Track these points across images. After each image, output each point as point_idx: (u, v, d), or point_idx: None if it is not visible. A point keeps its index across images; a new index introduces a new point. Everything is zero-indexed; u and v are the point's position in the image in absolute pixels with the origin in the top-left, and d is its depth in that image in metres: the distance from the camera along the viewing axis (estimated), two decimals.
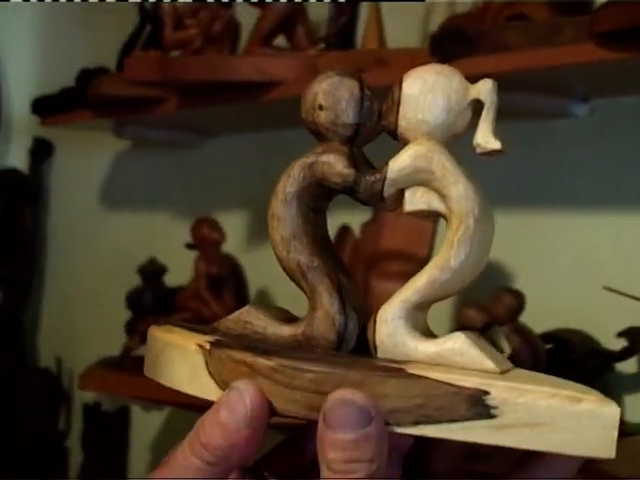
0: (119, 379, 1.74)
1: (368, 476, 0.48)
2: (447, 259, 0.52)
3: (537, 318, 1.30)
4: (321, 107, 0.57)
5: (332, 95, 0.57)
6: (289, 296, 1.75)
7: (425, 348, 0.52)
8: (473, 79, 1.31)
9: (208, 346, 0.53)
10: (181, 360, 0.54)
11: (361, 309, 0.56)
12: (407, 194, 0.54)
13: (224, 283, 1.71)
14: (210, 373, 0.52)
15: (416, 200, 0.54)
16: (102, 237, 2.25)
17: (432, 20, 1.56)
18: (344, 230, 1.49)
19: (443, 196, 0.53)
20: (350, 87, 0.57)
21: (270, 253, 1.82)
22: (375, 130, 0.57)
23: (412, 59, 1.35)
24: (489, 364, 0.51)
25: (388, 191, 0.55)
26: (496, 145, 0.52)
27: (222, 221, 1.74)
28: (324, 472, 0.49)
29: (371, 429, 0.48)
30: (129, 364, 1.75)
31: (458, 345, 0.51)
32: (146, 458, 2.09)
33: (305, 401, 0.50)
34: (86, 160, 2.30)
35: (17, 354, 2.39)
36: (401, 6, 1.55)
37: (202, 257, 1.71)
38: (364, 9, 1.57)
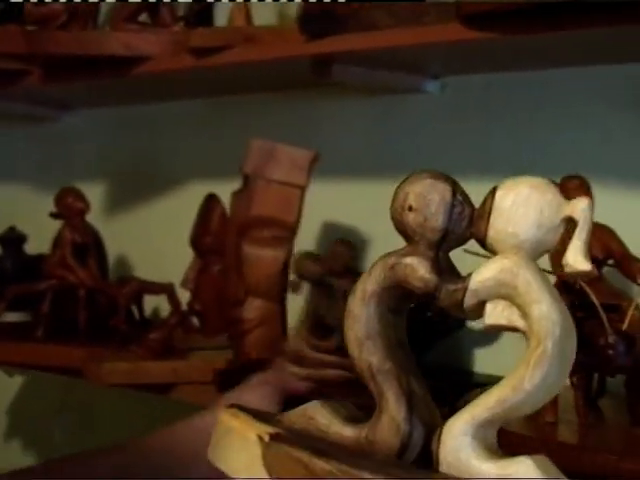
0: None
1: None
2: (521, 380, 0.49)
3: None
4: (411, 208, 0.54)
5: (423, 198, 0.54)
6: (148, 265, 1.73)
7: (489, 469, 0.49)
8: (340, 56, 1.31)
9: (267, 438, 0.51)
10: (240, 448, 0.51)
11: (429, 419, 0.53)
12: (488, 307, 0.52)
13: (88, 251, 1.66)
14: (265, 465, 0.50)
15: (497, 314, 0.51)
16: None
17: None
18: (211, 198, 1.48)
19: (524, 313, 0.50)
20: (442, 191, 0.54)
21: (128, 223, 1.78)
22: (463, 236, 0.54)
23: (280, 37, 1.34)
24: None
25: (469, 301, 0.52)
26: (586, 267, 0.50)
27: (87, 191, 1.69)
28: None
29: None
30: None
31: (522, 470, 0.48)
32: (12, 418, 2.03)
33: None
34: None
35: None
36: None
37: (67, 226, 1.66)
38: None
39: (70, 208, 1.66)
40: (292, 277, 1.28)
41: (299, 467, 0.48)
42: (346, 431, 0.53)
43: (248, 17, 1.44)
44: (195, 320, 1.52)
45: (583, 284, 0.97)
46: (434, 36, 1.15)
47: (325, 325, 1.22)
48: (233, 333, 1.37)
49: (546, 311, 0.49)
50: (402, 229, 0.55)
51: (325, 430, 0.53)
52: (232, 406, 0.57)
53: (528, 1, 1.03)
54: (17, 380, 1.96)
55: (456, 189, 0.53)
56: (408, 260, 0.54)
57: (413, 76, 1.40)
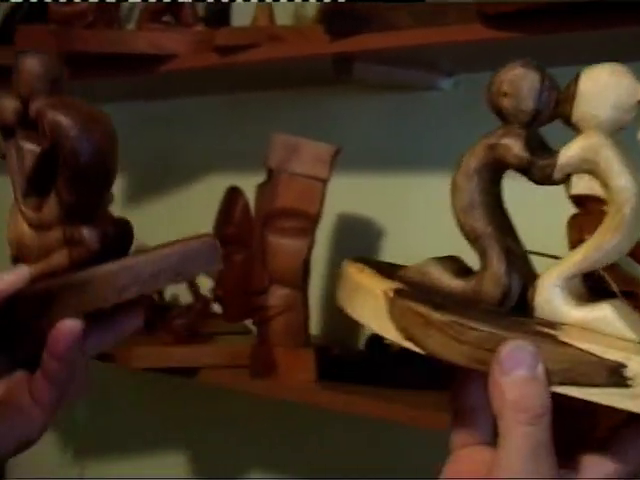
0: None
1: (540, 414, 0.52)
2: (602, 240, 0.55)
3: None
4: (505, 94, 0.60)
5: (516, 84, 0.59)
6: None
7: (576, 314, 0.56)
8: (361, 55, 1.31)
9: (392, 294, 0.56)
10: (368, 301, 0.58)
11: (525, 273, 0.59)
12: (574, 179, 0.57)
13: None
14: (391, 318, 0.56)
15: (581, 185, 0.57)
16: None
17: None
18: (233, 190, 1.49)
19: (605, 185, 0.55)
20: (532, 78, 0.59)
21: (154, 214, 1.79)
22: (551, 117, 0.59)
23: (303, 36, 1.35)
24: (630, 335, 0.54)
25: (557, 175, 0.57)
26: None
27: None
28: (504, 412, 0.52)
29: (540, 369, 0.51)
30: None
31: (604, 314, 0.55)
32: None
33: (470, 354, 0.53)
34: None
35: None
36: None
37: None
38: None
39: None
40: None
41: (419, 319, 0.55)
42: (455, 283, 0.59)
43: (271, 17, 1.45)
44: (217, 306, 1.54)
45: (602, 271, 0.99)
46: (454, 36, 1.16)
47: None
48: (258, 319, 1.38)
49: (624, 183, 0.54)
50: (498, 112, 0.61)
51: (437, 283, 0.59)
52: (358, 260, 0.63)
53: (548, 1, 1.04)
54: None
55: (544, 75, 0.59)
56: (505, 140, 0.60)
57: (428, 73, 1.41)
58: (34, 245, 0.72)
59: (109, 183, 0.72)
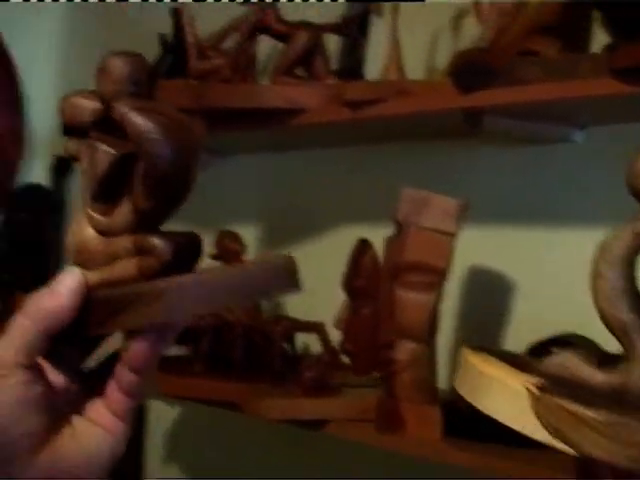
0: None
1: None
2: None
3: (546, 324, 1.30)
4: None
5: None
6: (301, 304, 1.75)
7: None
8: (491, 108, 1.30)
9: (536, 390, 0.55)
10: (504, 396, 0.56)
11: None
12: None
13: None
14: (536, 415, 0.54)
15: None
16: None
17: (438, 50, 1.56)
18: (363, 243, 1.48)
19: None
20: None
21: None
22: None
23: (432, 90, 1.35)
24: None
25: None
26: None
27: (243, 233, 1.73)
28: None
29: None
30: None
31: None
32: (161, 449, 2.06)
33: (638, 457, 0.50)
34: None
35: None
36: (405, 35, 1.55)
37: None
38: (377, 43, 1.57)
39: (227, 250, 1.69)
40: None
41: (570, 417, 0.52)
42: (599, 377, 0.56)
43: (401, 71, 1.45)
44: (346, 358, 1.53)
45: None
46: (585, 90, 1.14)
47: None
48: (385, 373, 1.37)
49: None
50: (637, 195, 0.60)
51: (578, 376, 0.56)
52: (478, 348, 0.60)
53: None
54: (177, 410, 1.99)
55: None
56: None
57: (560, 126, 1.39)
58: (98, 251, 0.69)
59: (187, 193, 0.68)
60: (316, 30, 1.55)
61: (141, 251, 0.67)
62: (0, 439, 0.64)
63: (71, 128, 0.70)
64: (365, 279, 1.47)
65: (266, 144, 1.82)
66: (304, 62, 1.56)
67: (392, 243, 1.37)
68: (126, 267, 0.68)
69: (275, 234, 1.88)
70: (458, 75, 1.28)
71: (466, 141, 1.50)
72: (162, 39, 1.90)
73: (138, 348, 0.67)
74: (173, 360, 1.75)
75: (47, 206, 2.38)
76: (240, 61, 1.58)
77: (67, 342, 0.68)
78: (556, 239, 1.44)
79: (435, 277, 1.34)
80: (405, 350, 1.35)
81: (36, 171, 2.44)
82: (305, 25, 1.55)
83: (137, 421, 2.09)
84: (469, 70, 1.26)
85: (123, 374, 0.68)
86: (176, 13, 1.81)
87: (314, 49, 1.55)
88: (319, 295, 1.70)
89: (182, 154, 0.66)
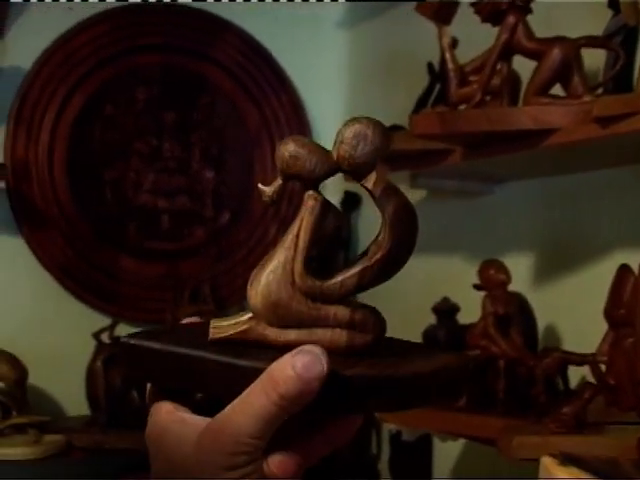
0: (413, 413, 1.70)
1: None
2: None
3: None
4: None
5: None
6: (576, 333, 1.67)
7: None
8: None
9: None
10: None
11: None
12: None
13: (511, 321, 1.65)
14: None
15: None
16: (405, 279, 2.21)
17: None
18: (624, 268, 1.40)
19: None
20: None
21: (560, 291, 1.71)
22: None
23: None
24: None
25: None
26: None
27: (509, 263, 1.68)
28: None
29: None
30: None
31: None
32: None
33: None
34: None
35: None
36: None
37: (489, 297, 1.66)
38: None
39: (491, 280, 1.66)
40: None
41: None
42: None
43: None
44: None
45: None
46: None
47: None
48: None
49: None
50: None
51: None
52: (562, 458, 0.56)
53: None
54: (449, 445, 1.97)
55: None
56: None
57: None
58: (300, 312, 0.67)
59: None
60: (571, 46, 1.49)
61: (354, 324, 0.68)
62: None
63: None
64: (626, 307, 1.38)
65: (534, 169, 1.78)
66: (561, 80, 1.50)
67: None
68: (333, 337, 0.67)
69: (547, 262, 1.82)
70: None
71: None
72: (430, 68, 1.91)
73: (349, 430, 0.69)
74: None
75: (337, 241, 2.43)
76: (493, 84, 1.55)
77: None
78: None
79: None
80: None
81: None
82: (559, 41, 1.49)
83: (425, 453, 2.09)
84: None
85: (322, 446, 0.69)
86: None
87: (571, 65, 1.49)
88: (592, 325, 1.62)
89: (414, 234, 0.68)
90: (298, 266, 0.68)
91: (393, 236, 0.67)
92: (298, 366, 0.63)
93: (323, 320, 0.67)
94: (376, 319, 0.68)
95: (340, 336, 0.67)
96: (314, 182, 0.69)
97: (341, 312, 0.67)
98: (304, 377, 0.63)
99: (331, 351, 0.65)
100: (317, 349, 0.64)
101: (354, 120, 0.67)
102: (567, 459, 0.58)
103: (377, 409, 0.69)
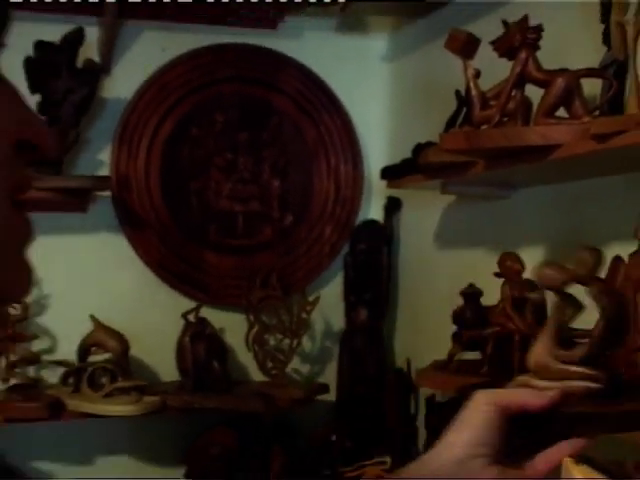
0: (445, 379, 1.73)
1: None
2: None
3: None
4: None
5: None
6: (586, 317, 1.67)
7: None
8: None
9: None
10: None
11: None
12: None
13: (525, 303, 1.66)
14: None
15: None
16: (438, 270, 2.26)
17: None
18: (617, 259, 1.41)
19: None
20: None
21: None
22: None
23: None
24: None
25: None
26: None
27: (523, 255, 1.70)
28: None
29: None
30: (453, 367, 1.74)
31: None
32: None
33: None
34: (423, 212, 2.32)
35: (380, 358, 2.42)
36: None
37: (507, 283, 1.68)
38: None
39: (509, 269, 1.68)
40: None
41: None
42: None
43: None
44: None
45: None
46: None
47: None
48: (629, 374, 1.30)
49: None
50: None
51: None
52: (577, 458, 0.58)
53: None
54: None
55: None
56: None
57: None
58: (555, 370, 0.93)
59: None
60: (573, 76, 1.50)
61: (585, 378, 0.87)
62: None
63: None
64: (619, 289, 1.40)
65: (545, 176, 1.78)
66: (565, 103, 1.52)
67: (634, 258, 1.30)
68: (576, 387, 0.88)
69: (555, 255, 1.82)
70: None
71: None
72: (458, 94, 1.92)
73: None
74: (468, 363, 1.76)
75: (381, 239, 2.46)
76: (509, 108, 1.57)
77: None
78: None
79: None
80: None
81: (373, 209, 2.54)
82: (563, 72, 1.51)
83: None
84: None
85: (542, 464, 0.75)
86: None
87: (573, 92, 1.51)
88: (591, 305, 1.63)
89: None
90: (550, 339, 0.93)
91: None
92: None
93: (569, 375, 0.94)
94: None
95: (578, 387, 0.90)
96: None
97: (580, 370, 0.94)
98: (541, 394, 0.77)
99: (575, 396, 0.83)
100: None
101: None
102: (581, 459, 0.61)
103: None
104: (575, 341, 1.04)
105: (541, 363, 0.99)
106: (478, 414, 0.77)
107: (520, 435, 0.75)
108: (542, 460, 0.73)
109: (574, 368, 0.98)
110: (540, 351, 1.00)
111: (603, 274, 1.40)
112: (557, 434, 0.73)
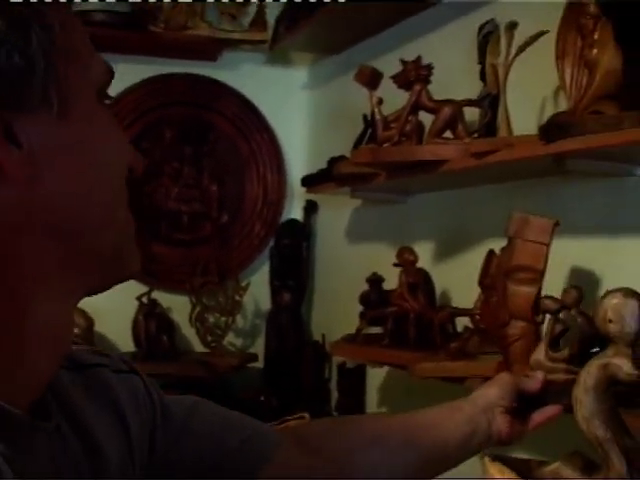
0: (353, 349, 1.76)
1: None
2: None
3: None
4: (610, 320, 0.54)
5: (619, 312, 0.54)
6: (461, 295, 1.70)
7: None
8: (571, 152, 1.23)
9: None
10: None
11: None
12: None
13: (418, 288, 1.70)
14: None
15: None
16: (348, 261, 2.28)
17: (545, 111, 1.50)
18: (491, 253, 1.47)
19: None
20: (632, 306, 0.53)
21: (451, 267, 1.75)
22: None
23: (528, 142, 1.32)
24: None
25: None
26: None
27: (417, 249, 1.73)
28: None
29: None
30: (360, 339, 1.77)
31: None
32: (376, 395, 2.09)
33: None
34: (336, 213, 2.34)
35: (300, 333, 2.44)
36: (518, 104, 1.51)
37: (404, 272, 1.71)
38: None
39: (406, 260, 1.71)
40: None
41: None
42: None
43: (509, 129, 1.43)
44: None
45: None
46: (625, 137, 1.09)
47: (559, 343, 1.19)
48: (501, 345, 1.35)
49: None
50: (606, 335, 0.55)
51: None
52: (495, 458, 0.59)
53: None
54: (378, 371, 2.00)
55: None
56: (616, 361, 0.54)
57: (624, 164, 1.31)
58: (544, 367, 1.06)
59: None
60: (457, 105, 1.55)
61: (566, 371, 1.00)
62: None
63: None
64: (491, 278, 1.45)
65: (436, 185, 1.82)
66: (450, 127, 1.57)
67: (505, 251, 1.35)
68: (558, 377, 1.03)
69: (445, 249, 1.85)
70: (543, 132, 1.25)
71: (558, 177, 1.44)
72: (364, 118, 1.94)
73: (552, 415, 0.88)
74: (373, 336, 1.79)
75: (301, 235, 2.48)
76: (406, 129, 1.60)
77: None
78: (627, 247, 1.36)
79: (535, 275, 1.30)
80: (516, 327, 1.31)
81: (295, 210, 2.55)
82: (449, 102, 1.55)
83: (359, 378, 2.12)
84: (550, 128, 1.23)
85: (536, 423, 0.89)
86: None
87: (456, 118, 1.55)
88: (471, 290, 1.68)
89: None
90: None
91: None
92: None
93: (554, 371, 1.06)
94: None
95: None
96: None
97: (563, 371, 1.03)
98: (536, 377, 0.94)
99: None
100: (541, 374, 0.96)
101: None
102: (495, 458, 0.64)
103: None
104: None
105: (538, 361, 1.18)
106: (502, 381, 0.96)
107: (522, 401, 0.91)
108: (537, 416, 0.90)
109: (559, 365, 1.14)
110: (538, 354, 1.19)
111: (481, 264, 1.45)
112: (545, 403, 0.88)
